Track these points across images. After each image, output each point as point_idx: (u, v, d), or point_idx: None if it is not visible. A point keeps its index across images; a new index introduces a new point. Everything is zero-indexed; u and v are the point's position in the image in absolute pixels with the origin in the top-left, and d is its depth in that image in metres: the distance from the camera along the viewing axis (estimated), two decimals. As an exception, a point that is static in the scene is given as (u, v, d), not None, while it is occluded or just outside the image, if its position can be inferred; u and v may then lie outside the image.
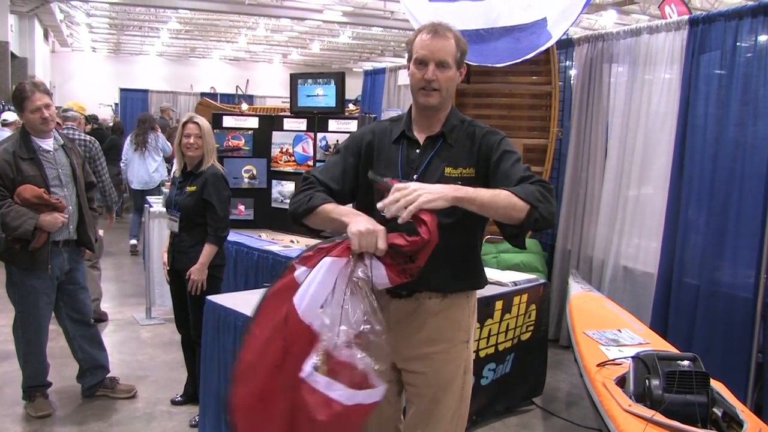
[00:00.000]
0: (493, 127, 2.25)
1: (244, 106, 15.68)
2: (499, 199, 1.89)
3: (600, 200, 5.20)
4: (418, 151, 2.21)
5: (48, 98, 3.71)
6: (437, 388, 2.23)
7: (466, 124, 2.23)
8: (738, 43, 4.08)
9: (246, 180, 5.75)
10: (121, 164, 8.62)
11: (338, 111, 5.55)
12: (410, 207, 1.80)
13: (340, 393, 1.82)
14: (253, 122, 5.80)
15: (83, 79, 26.52)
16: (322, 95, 5.58)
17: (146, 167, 8.25)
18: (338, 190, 2.19)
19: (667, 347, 3.53)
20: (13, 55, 15.69)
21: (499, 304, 3.83)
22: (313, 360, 1.84)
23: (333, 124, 5.47)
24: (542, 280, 4.34)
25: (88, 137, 5.56)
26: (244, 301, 3.31)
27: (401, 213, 1.80)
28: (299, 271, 1.92)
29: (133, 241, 8.69)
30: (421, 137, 2.22)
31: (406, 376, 2.29)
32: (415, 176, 2.16)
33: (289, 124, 5.73)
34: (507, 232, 2.02)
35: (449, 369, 2.25)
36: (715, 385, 2.89)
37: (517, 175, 2.01)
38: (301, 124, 5.64)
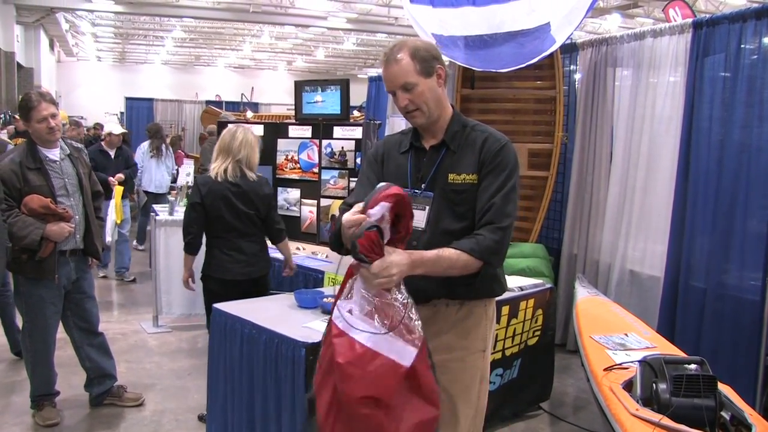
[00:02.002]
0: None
1: (249, 114, 15.76)
2: (457, 263, 2.03)
3: (606, 204, 5.19)
4: (425, 159, 2.25)
5: (54, 108, 3.73)
6: (453, 396, 2.23)
7: (468, 129, 2.25)
8: (742, 46, 4.08)
9: (251, 187, 5.75)
10: (139, 173, 8.84)
11: (343, 118, 5.55)
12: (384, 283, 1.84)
13: (367, 335, 1.78)
14: (257, 130, 5.81)
15: (89, 88, 26.66)
16: (321, 102, 5.57)
17: (161, 173, 8.61)
18: None
19: (674, 351, 3.52)
20: (19, 65, 15.79)
21: (505, 309, 3.82)
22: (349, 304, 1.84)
23: (338, 131, 5.46)
24: (548, 285, 4.32)
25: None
26: (249, 309, 3.32)
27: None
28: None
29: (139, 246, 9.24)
30: (427, 146, 2.27)
31: None
32: (423, 185, 2.21)
33: (293, 131, 5.73)
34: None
35: (465, 377, 2.24)
36: (723, 388, 2.89)
37: (483, 207, 2.10)
38: (306, 131, 5.63)
